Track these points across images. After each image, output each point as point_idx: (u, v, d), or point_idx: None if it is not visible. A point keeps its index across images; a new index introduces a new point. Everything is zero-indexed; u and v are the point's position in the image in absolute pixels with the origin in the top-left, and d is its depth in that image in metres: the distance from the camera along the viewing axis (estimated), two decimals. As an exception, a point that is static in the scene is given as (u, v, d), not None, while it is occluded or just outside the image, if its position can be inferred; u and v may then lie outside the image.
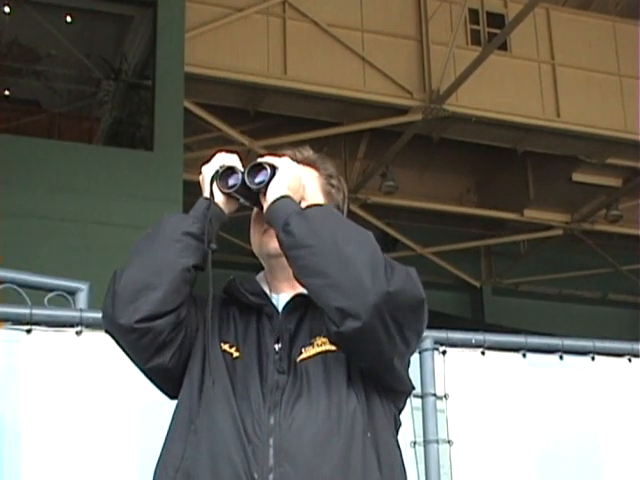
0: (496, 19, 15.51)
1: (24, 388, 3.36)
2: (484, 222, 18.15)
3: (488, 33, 14.95)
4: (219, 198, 2.39)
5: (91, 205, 10.78)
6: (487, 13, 15.35)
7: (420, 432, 3.80)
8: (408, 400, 3.80)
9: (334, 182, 2.57)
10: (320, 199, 2.49)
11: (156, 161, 11.43)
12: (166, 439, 2.32)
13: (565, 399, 4.08)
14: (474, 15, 15.40)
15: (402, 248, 17.80)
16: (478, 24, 15.42)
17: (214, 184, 2.39)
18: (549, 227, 17.61)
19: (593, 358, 4.13)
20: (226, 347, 2.35)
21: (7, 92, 13.48)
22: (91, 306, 3.97)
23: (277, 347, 2.33)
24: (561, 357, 4.10)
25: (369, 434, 2.25)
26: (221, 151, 2.47)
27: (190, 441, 2.25)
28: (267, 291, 2.44)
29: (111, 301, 2.30)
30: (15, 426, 3.31)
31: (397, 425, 2.43)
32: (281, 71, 14.31)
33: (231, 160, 2.42)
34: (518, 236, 18.25)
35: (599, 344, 4.14)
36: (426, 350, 3.90)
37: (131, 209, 10.85)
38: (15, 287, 3.89)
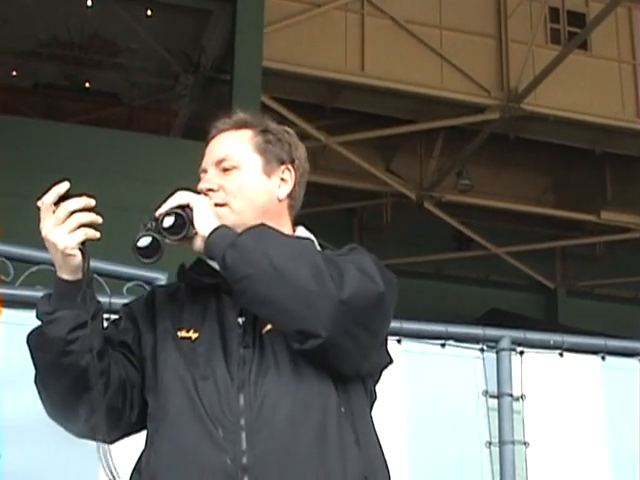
0: (577, 18, 15.35)
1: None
2: (560, 223, 17.95)
3: (568, 32, 14.80)
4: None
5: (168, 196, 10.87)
6: (568, 12, 15.21)
7: (496, 432, 3.76)
8: (483, 399, 3.82)
9: (271, 137, 2.45)
10: (255, 159, 2.39)
11: (233, 155, 11.48)
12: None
13: (644, 403, 4.02)
14: (554, 14, 15.26)
15: (476, 247, 17.71)
16: (558, 23, 15.27)
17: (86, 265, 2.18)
18: (626, 229, 17.37)
19: (674, 362, 4.06)
20: (183, 333, 2.24)
21: (87, 84, 13.65)
22: (168, 296, 3.99)
23: (240, 320, 2.22)
24: (641, 361, 4.04)
25: (343, 409, 2.15)
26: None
27: (152, 442, 2.18)
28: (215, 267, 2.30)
29: (55, 421, 2.30)
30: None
31: (372, 399, 2.33)
32: (358, 67, 14.31)
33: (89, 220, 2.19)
34: (595, 238, 18.04)
35: (680, 348, 4.07)
36: (503, 350, 3.87)
37: (207, 202, 10.93)
38: (95, 276, 3.92)
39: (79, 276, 2.17)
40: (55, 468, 3.34)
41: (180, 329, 2.26)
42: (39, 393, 2.24)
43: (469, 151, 15.30)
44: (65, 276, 2.18)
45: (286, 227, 2.38)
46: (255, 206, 2.35)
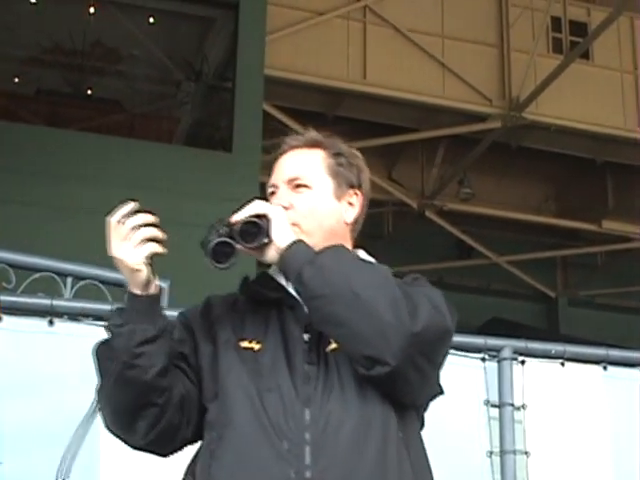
0: (579, 27, 15.36)
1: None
2: (561, 232, 17.95)
3: (570, 41, 14.81)
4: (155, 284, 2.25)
5: (169, 204, 10.84)
6: (570, 21, 15.21)
7: (497, 442, 3.76)
8: (485, 409, 3.81)
9: (343, 160, 2.47)
10: (327, 182, 2.41)
11: (234, 163, 11.48)
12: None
13: (646, 414, 4.01)
14: (556, 23, 15.27)
15: (478, 256, 17.70)
16: (560, 32, 15.28)
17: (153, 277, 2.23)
18: (627, 239, 17.35)
19: (676, 373, 4.05)
20: (245, 343, 2.26)
21: (89, 91, 13.66)
22: (171, 304, 3.99)
23: (306, 337, 2.24)
24: (643, 371, 4.03)
25: (401, 434, 2.19)
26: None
27: (212, 449, 2.18)
28: (284, 284, 2.33)
29: (113, 433, 2.29)
30: (94, 419, 3.33)
31: (422, 426, 2.37)
32: (360, 76, 14.31)
33: (154, 235, 2.23)
34: (596, 247, 18.02)
35: (682, 359, 4.06)
36: (505, 359, 3.86)
37: (208, 209, 10.89)
38: (97, 283, 3.93)
39: (150, 291, 2.22)
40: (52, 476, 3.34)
41: (242, 339, 2.27)
42: (100, 403, 2.27)
43: (471, 160, 15.30)
44: (135, 290, 2.22)
45: None
46: (324, 228, 2.37)
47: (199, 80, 13.20)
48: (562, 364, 3.95)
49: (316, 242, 2.30)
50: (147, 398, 2.18)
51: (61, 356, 3.44)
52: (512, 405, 3.81)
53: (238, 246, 2.24)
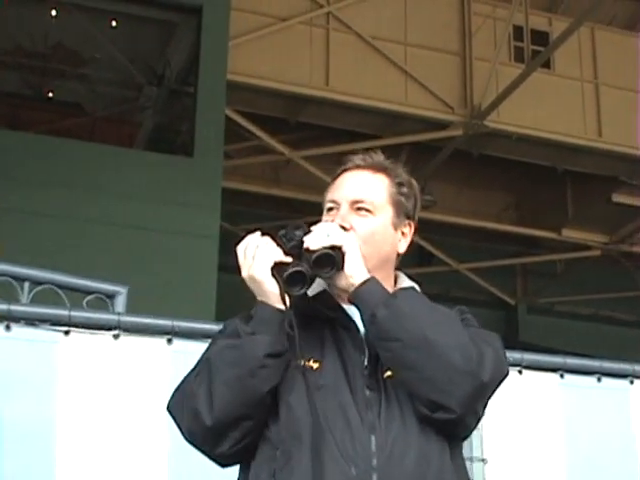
0: (540, 37, 15.44)
1: (60, 388, 3.37)
2: (521, 240, 18.03)
3: (532, 50, 14.86)
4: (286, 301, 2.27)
5: (129, 209, 10.82)
6: (531, 30, 15.26)
7: (454, 449, 3.76)
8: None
9: (405, 190, 2.49)
10: (388, 210, 2.43)
11: (196, 168, 11.45)
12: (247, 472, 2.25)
13: (601, 422, 4.04)
14: (518, 32, 15.32)
15: (438, 263, 17.75)
16: (522, 41, 15.34)
17: (285, 293, 2.25)
18: (587, 247, 17.48)
19: (632, 382, 4.08)
20: (303, 361, 2.27)
21: (50, 94, 13.57)
22: (129, 310, 3.98)
23: (366, 361, 2.26)
24: (599, 379, 4.06)
25: (452, 463, 2.25)
26: (249, 233, 2.33)
27: (277, 468, 2.16)
28: (343, 305, 2.35)
29: (201, 435, 2.24)
30: (50, 426, 3.31)
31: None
32: (323, 82, 14.32)
33: (276, 253, 2.27)
34: (555, 255, 18.12)
35: (639, 368, 4.09)
36: (463, 367, 3.86)
37: (169, 215, 10.89)
38: (54, 288, 3.90)
39: (280, 306, 2.24)
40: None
41: (300, 357, 2.27)
42: (193, 405, 2.22)
43: (432, 167, 15.34)
44: (267, 301, 2.26)
45: (392, 276, 2.46)
46: (380, 255, 2.41)
47: (161, 84, 13.15)
48: (520, 372, 3.97)
49: (371, 266, 2.33)
50: (251, 410, 2.19)
51: (18, 361, 3.41)
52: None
53: (311, 273, 2.27)
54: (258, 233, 2.29)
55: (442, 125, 14.81)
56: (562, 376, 4.02)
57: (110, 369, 3.45)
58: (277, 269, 2.24)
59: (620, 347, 16.63)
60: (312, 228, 2.31)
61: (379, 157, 2.51)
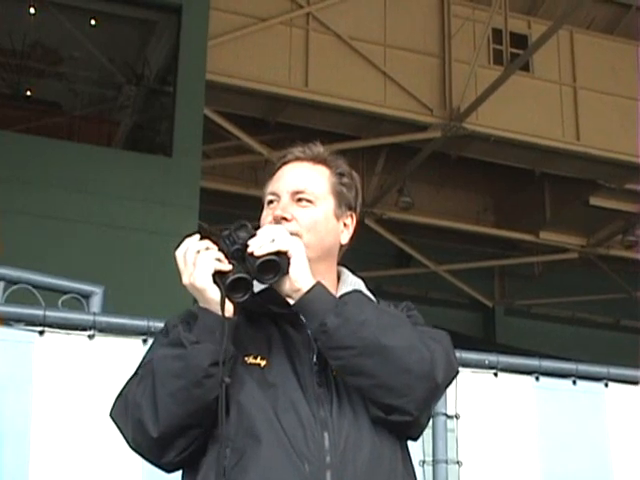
0: (519, 40, 15.50)
1: (35, 389, 3.35)
2: (499, 242, 18.10)
3: (511, 53, 14.92)
4: (229, 308, 2.19)
5: (107, 208, 10.80)
6: (510, 33, 15.32)
7: (430, 451, 3.77)
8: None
9: (345, 180, 2.46)
10: (329, 200, 2.40)
11: (174, 167, 11.44)
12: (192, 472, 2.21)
13: (576, 424, 4.05)
14: (497, 35, 15.39)
15: (416, 264, 17.79)
16: (501, 44, 15.39)
17: (225, 299, 2.18)
18: (564, 250, 17.57)
19: (607, 385, 4.09)
20: (251, 359, 2.23)
21: (29, 92, 13.51)
22: (105, 310, 3.96)
23: (314, 358, 2.24)
24: (574, 382, 4.06)
25: (401, 458, 2.26)
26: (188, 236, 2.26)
27: (228, 466, 2.13)
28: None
29: (147, 446, 2.20)
30: (24, 427, 3.30)
31: None
32: (302, 83, 14.33)
33: (216, 259, 2.19)
34: (533, 257, 18.22)
35: (614, 371, 4.10)
36: (439, 369, 3.87)
37: (147, 214, 10.87)
38: (29, 287, 3.88)
39: (225, 314, 2.17)
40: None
41: (247, 355, 2.24)
42: (137, 413, 2.17)
43: (411, 169, 15.39)
44: (210, 308, 2.18)
45: (334, 270, 2.43)
46: (323, 245, 2.38)
47: (140, 84, 13.13)
48: (495, 374, 3.97)
49: (314, 256, 2.31)
50: (198, 419, 2.16)
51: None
52: (445, 414, 3.82)
53: (255, 280, 2.22)
54: (197, 236, 2.23)
55: (421, 127, 14.85)
56: (537, 379, 4.02)
57: (85, 369, 3.43)
58: (219, 276, 2.17)
59: (597, 350, 16.73)
60: (257, 231, 2.25)
61: (319, 148, 2.49)
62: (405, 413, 2.16)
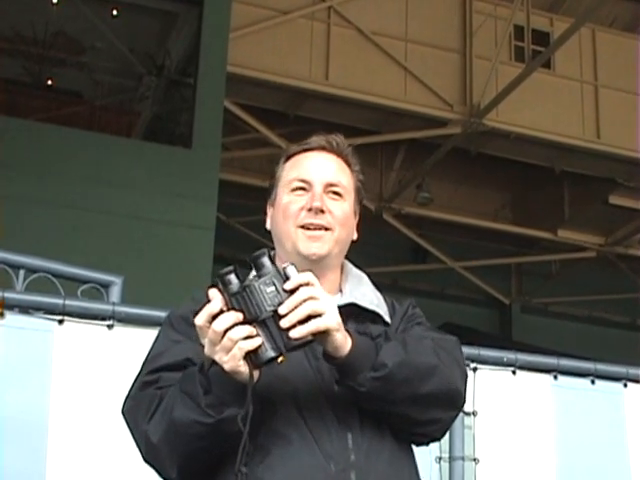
0: (541, 37, 15.43)
1: (54, 377, 3.36)
2: (517, 239, 18.05)
3: (532, 50, 14.84)
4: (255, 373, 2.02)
5: (127, 199, 10.81)
6: (532, 30, 15.25)
7: (446, 448, 3.76)
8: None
9: (362, 177, 2.47)
10: (352, 196, 2.39)
11: (193, 159, 11.44)
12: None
13: (594, 424, 4.03)
14: (519, 32, 15.32)
15: (433, 260, 17.76)
16: (523, 41, 15.33)
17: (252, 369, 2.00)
18: (582, 248, 17.50)
19: (626, 385, 4.07)
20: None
21: (50, 82, 13.54)
22: (124, 300, 3.96)
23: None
24: (593, 381, 4.06)
25: (414, 465, 2.28)
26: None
27: (256, 463, 2.07)
28: None
29: (160, 469, 2.15)
30: (43, 415, 3.30)
31: None
32: (323, 76, 14.31)
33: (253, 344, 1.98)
34: (550, 255, 18.14)
35: (632, 371, 4.08)
36: (457, 365, 3.86)
37: (166, 205, 10.87)
38: (49, 277, 3.89)
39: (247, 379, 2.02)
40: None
41: None
42: (154, 459, 2.14)
43: (430, 164, 15.35)
44: (234, 377, 2.01)
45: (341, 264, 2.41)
46: (348, 240, 2.39)
47: (161, 75, 13.13)
48: (513, 372, 3.96)
49: (336, 251, 2.31)
50: (220, 448, 2.09)
51: (11, 349, 3.40)
52: (463, 411, 3.81)
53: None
54: (231, 317, 1.97)
55: (441, 122, 14.81)
56: (556, 377, 4.01)
57: (104, 359, 3.44)
58: (249, 355, 1.99)
59: (613, 349, 16.65)
60: (285, 285, 2.00)
61: (343, 141, 2.46)
62: (432, 438, 2.26)
